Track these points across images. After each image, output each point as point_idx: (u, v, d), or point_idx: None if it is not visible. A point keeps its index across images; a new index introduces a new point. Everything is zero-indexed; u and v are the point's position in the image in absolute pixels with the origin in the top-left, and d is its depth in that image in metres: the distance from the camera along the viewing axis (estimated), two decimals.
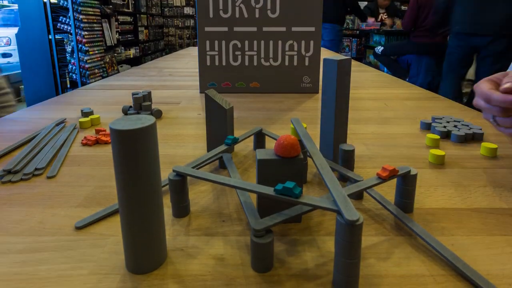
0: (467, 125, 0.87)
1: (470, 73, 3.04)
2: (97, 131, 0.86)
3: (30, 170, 0.65)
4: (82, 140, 0.80)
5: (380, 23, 5.84)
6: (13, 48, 6.56)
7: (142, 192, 0.38)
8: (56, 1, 5.36)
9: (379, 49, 4.81)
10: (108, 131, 0.84)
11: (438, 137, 0.79)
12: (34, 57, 5.52)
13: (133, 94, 1.03)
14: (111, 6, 6.36)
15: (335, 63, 0.61)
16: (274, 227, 0.42)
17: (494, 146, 0.73)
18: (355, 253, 0.36)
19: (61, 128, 0.89)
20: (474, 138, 0.83)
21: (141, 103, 1.02)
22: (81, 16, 5.34)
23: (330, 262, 0.42)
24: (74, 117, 1.00)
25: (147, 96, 1.04)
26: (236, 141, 0.66)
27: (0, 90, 1.45)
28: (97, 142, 0.80)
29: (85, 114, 1.00)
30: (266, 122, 0.98)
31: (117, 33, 6.85)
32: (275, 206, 0.44)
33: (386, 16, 6.03)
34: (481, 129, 0.84)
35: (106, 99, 1.25)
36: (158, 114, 1.02)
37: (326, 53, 3.22)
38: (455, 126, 0.87)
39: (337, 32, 5.06)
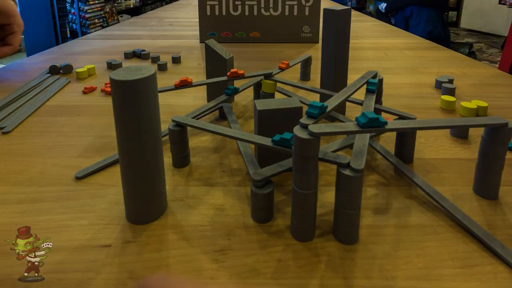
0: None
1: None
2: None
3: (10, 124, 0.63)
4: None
5: None
6: None
7: (142, 142, 0.38)
8: None
9: (383, 6, 4.69)
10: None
11: (454, 99, 0.72)
12: (34, 6, 5.41)
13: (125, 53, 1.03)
14: None
15: (335, 13, 0.59)
16: (274, 177, 0.42)
17: (485, 104, 0.69)
18: (355, 204, 0.36)
19: (56, 79, 0.88)
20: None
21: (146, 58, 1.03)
22: None
23: (331, 212, 0.42)
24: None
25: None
26: (236, 91, 0.65)
27: None
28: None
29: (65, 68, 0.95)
30: None
31: None
32: (275, 156, 0.44)
33: None
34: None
35: (106, 49, 1.23)
36: (163, 67, 1.00)
37: (325, 3, 3.15)
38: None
39: None
